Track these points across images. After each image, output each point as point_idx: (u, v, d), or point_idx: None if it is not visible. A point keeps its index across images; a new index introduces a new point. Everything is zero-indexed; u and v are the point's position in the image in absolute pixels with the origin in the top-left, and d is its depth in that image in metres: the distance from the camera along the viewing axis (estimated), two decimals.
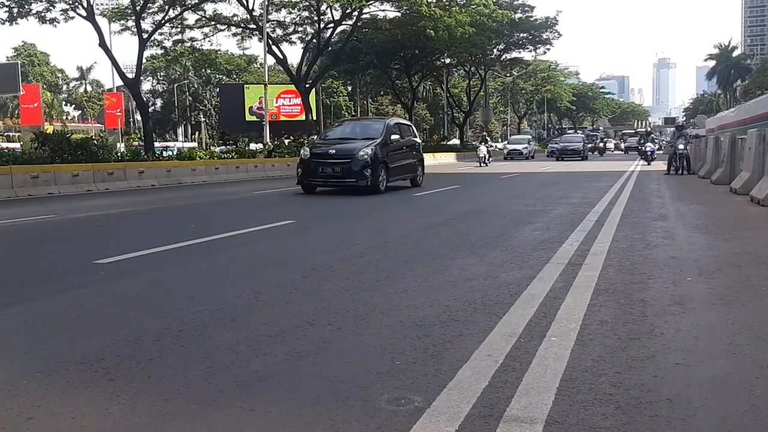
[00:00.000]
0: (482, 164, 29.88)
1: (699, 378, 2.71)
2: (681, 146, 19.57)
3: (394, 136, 14.19)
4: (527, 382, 2.61)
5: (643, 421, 2.28)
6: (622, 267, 5.01)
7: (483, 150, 30.73)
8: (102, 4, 30.32)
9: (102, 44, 25.40)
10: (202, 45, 35.03)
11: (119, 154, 20.59)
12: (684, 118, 55.61)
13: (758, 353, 3.00)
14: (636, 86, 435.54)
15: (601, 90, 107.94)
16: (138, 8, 26.65)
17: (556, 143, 44.65)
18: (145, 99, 42.03)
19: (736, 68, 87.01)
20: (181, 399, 2.53)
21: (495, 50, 45.42)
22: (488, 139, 35.82)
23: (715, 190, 13.18)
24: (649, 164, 26.31)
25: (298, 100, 40.29)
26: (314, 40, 33.72)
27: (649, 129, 42.62)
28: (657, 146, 33.95)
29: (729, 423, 2.31)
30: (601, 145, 52.44)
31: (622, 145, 64.33)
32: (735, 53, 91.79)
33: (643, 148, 29.01)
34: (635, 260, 5.29)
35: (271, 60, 34.43)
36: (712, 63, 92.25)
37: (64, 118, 74.15)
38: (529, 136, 55.38)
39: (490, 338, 3.18)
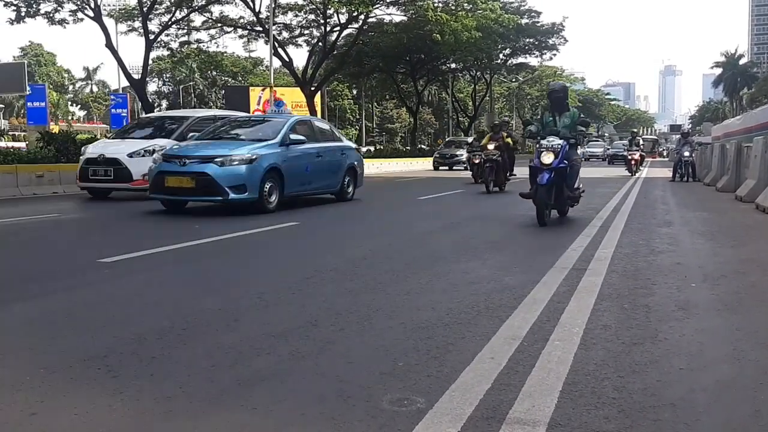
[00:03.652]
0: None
1: (703, 383, 2.70)
2: (686, 153, 19.60)
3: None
4: (530, 385, 2.60)
5: (647, 425, 2.27)
6: (627, 272, 4.99)
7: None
8: (109, 5, 30.42)
9: (108, 45, 25.52)
10: (208, 47, 35.26)
11: None
12: (690, 126, 54.98)
13: (762, 359, 2.99)
14: (642, 93, 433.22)
15: (606, 96, 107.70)
16: (145, 9, 26.78)
17: None
18: (150, 100, 42.12)
19: (742, 76, 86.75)
20: (184, 397, 2.52)
21: (501, 55, 45.29)
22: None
23: (721, 197, 13.14)
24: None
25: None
26: (320, 43, 33.77)
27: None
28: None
29: (733, 428, 2.30)
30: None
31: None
32: (741, 61, 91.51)
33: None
34: (639, 266, 5.27)
35: (276, 62, 34.48)
36: (718, 71, 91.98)
37: (70, 118, 74.50)
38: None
39: (493, 341, 3.18)
